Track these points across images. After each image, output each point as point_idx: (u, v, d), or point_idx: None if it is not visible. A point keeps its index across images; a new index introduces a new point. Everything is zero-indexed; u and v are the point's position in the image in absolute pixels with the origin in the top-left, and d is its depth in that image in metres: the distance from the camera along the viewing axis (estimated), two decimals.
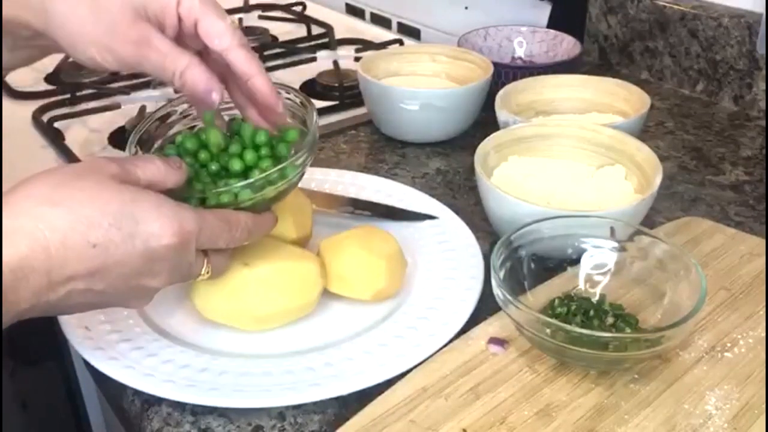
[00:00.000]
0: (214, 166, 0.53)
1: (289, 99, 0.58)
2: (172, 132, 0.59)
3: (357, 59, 1.08)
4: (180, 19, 0.52)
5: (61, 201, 0.43)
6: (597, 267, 0.58)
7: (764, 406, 0.49)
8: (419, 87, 0.86)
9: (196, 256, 0.49)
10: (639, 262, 0.57)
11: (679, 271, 0.54)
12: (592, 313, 0.54)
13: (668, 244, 0.56)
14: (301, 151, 0.53)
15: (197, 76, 0.51)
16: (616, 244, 0.58)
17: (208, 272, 0.51)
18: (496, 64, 0.87)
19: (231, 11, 1.26)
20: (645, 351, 0.49)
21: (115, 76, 1.08)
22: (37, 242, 0.42)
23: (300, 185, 0.66)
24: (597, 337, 0.49)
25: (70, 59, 1.09)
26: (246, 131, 0.54)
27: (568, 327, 0.49)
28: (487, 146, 0.68)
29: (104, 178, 0.45)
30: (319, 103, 0.95)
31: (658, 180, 0.63)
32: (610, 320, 0.54)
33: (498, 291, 0.52)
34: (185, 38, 0.54)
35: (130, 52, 0.51)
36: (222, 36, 0.52)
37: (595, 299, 0.56)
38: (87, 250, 0.43)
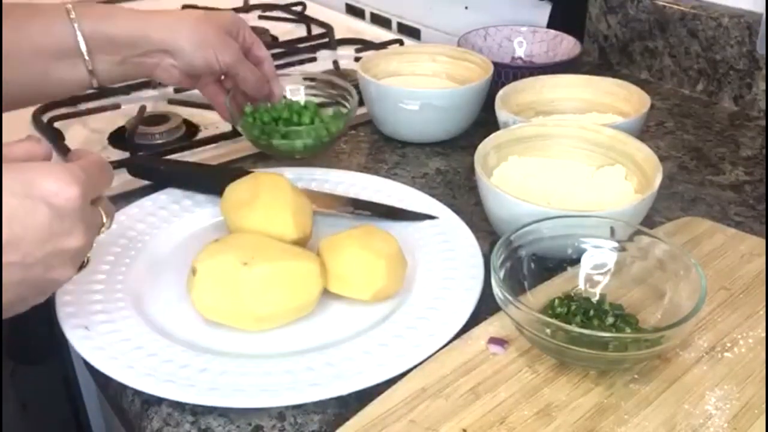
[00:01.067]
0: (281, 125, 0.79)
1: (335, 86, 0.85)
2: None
3: (357, 59, 1.08)
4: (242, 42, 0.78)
5: None
6: (597, 267, 0.58)
7: (764, 406, 0.49)
8: (419, 87, 0.86)
9: (93, 207, 0.50)
10: (639, 262, 0.57)
11: (679, 271, 0.54)
12: (592, 313, 0.54)
13: (668, 244, 0.56)
14: (342, 116, 0.81)
15: (262, 82, 0.79)
16: (616, 244, 0.58)
17: (106, 219, 0.51)
18: (496, 64, 0.87)
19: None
20: (645, 351, 0.49)
21: None
22: None
23: (300, 185, 0.68)
24: (597, 337, 0.49)
25: None
26: (297, 105, 0.81)
27: (568, 327, 0.49)
28: (487, 146, 0.68)
29: None
30: None
31: (658, 180, 0.63)
32: (610, 320, 0.54)
33: (498, 291, 0.52)
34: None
35: (233, 58, 0.74)
36: (269, 61, 0.81)
37: (595, 299, 0.56)
38: None
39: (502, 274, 0.54)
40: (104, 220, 0.51)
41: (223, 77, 0.81)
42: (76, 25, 0.67)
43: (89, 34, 0.68)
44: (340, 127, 0.80)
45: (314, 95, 0.85)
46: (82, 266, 0.51)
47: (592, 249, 0.58)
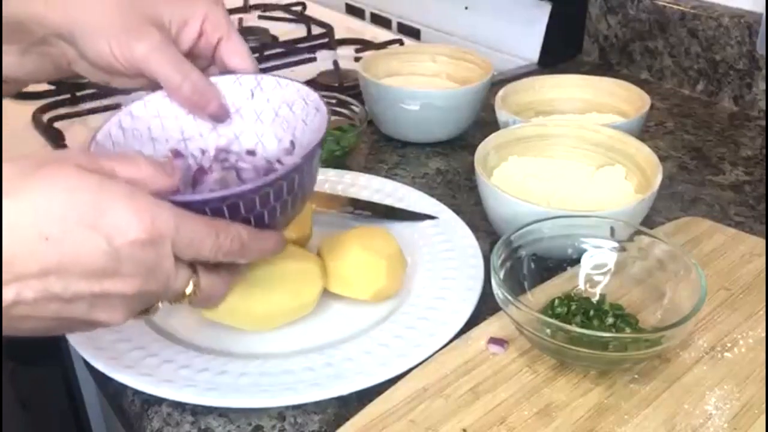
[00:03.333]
0: None
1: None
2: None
3: (357, 59, 1.08)
4: (200, 35, 0.54)
5: (13, 191, 0.38)
6: (597, 267, 0.58)
7: (764, 406, 0.49)
8: (419, 87, 0.86)
9: (177, 267, 0.43)
10: (639, 262, 0.57)
11: (679, 271, 0.54)
12: (591, 313, 0.54)
13: (668, 244, 0.56)
14: (352, 130, 0.82)
15: (205, 87, 0.54)
16: (616, 244, 0.58)
17: (195, 293, 0.45)
18: None
19: (231, 11, 1.27)
20: (645, 351, 0.49)
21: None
22: None
23: None
24: (597, 337, 0.48)
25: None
26: None
27: (567, 327, 0.49)
28: (487, 146, 0.68)
29: (67, 166, 0.40)
30: None
31: (658, 180, 0.63)
32: (610, 320, 0.54)
33: (498, 291, 0.52)
34: (194, 55, 0.55)
35: (140, 52, 0.51)
36: (244, 57, 0.55)
37: (595, 299, 0.56)
38: (38, 244, 0.38)
39: (502, 274, 0.54)
40: (187, 291, 0.44)
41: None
42: None
43: None
44: (351, 142, 0.81)
45: None
46: (147, 311, 0.45)
47: (592, 249, 0.58)
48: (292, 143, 0.55)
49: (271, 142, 0.56)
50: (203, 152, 0.56)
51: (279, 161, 0.56)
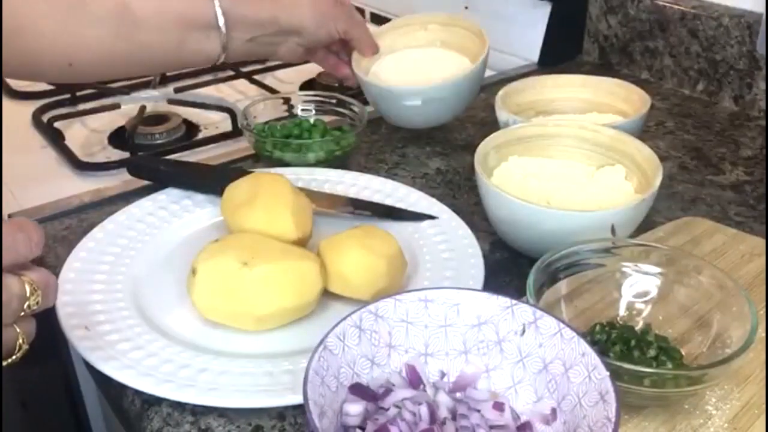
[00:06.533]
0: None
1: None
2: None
3: None
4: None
5: None
6: (639, 295, 0.55)
7: (764, 406, 0.49)
8: (418, 79, 0.83)
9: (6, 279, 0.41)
10: (684, 290, 0.54)
11: (727, 299, 0.51)
12: (633, 343, 0.51)
13: (715, 268, 0.53)
14: (351, 130, 0.83)
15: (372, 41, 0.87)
16: (659, 270, 0.55)
17: (35, 289, 0.43)
18: None
19: None
20: (685, 389, 0.46)
21: None
22: None
23: (300, 185, 0.68)
24: (633, 370, 0.45)
25: None
26: (307, 123, 0.85)
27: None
28: (487, 146, 0.68)
29: None
30: None
31: (658, 180, 0.63)
32: (652, 353, 0.50)
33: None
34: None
35: (347, 23, 0.82)
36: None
37: (638, 327, 0.53)
38: None
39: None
40: (27, 294, 0.42)
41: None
42: (216, 2, 0.73)
43: (226, 11, 0.74)
44: (350, 141, 0.81)
45: (323, 111, 0.87)
46: (12, 354, 0.44)
47: (635, 274, 0.55)
48: (554, 412, 0.45)
49: (526, 395, 0.46)
50: (443, 375, 0.48)
51: (529, 424, 0.45)
